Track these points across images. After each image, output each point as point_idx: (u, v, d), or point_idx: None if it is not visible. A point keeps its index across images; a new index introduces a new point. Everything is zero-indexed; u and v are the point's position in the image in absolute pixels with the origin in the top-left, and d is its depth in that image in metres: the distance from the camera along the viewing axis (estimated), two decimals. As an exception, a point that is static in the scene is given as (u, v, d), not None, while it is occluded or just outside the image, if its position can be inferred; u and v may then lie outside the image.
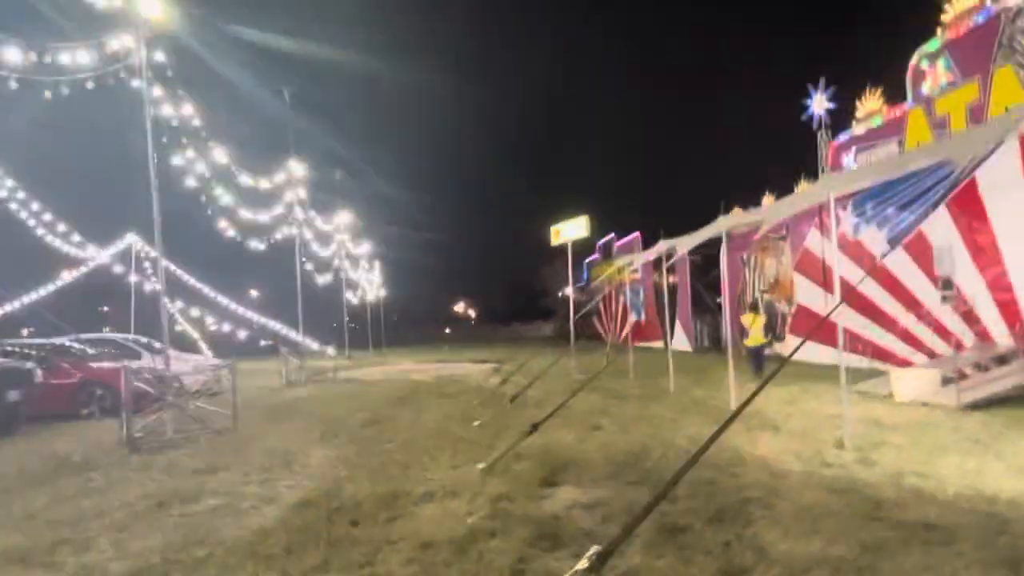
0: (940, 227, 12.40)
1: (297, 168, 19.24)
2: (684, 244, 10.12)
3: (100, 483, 6.58)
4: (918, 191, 13.50)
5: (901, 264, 13.29)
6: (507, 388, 13.36)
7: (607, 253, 36.05)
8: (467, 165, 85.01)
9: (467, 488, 5.70)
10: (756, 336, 14.25)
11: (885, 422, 8.28)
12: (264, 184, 18.10)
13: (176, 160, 13.56)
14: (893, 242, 14.04)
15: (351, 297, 34.52)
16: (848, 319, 14.85)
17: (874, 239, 14.73)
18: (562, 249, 18.70)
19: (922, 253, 12.74)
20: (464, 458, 6.92)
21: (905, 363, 12.69)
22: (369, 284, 37.27)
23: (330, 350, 24.98)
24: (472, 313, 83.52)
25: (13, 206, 18.56)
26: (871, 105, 14.26)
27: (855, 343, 14.17)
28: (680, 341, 25.88)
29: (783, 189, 17.74)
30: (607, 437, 7.73)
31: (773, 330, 19.18)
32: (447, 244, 73.41)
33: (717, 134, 78.21)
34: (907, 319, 13.09)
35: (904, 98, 13.44)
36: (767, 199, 18.85)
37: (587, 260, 40.43)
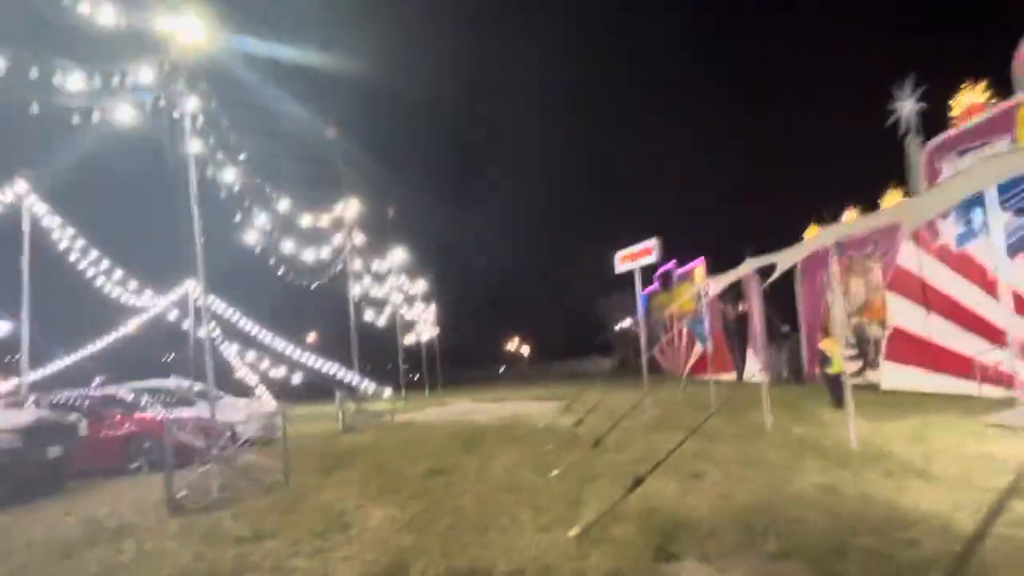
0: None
1: (349, 206, 18.72)
2: (783, 260, 8.86)
3: (131, 555, 5.68)
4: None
5: (1025, 276, 11.69)
6: (580, 429, 12.18)
7: (666, 282, 34.58)
8: (517, 195, 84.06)
9: (563, 563, 4.57)
10: (838, 363, 13.11)
11: (1058, 463, 6.75)
12: (315, 223, 17.61)
13: (224, 198, 13.11)
14: (1013, 251, 12.48)
15: (406, 338, 33.91)
16: (964, 342, 13.20)
17: (985, 250, 13.17)
18: (619, 281, 17.57)
19: (1051, 262, 11.14)
20: (550, 518, 5.78)
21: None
22: (424, 323, 36.63)
23: (387, 392, 24.17)
24: (525, 350, 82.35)
25: (73, 257, 18.60)
26: (972, 101, 12.81)
27: (974, 368, 12.49)
28: (754, 372, 24.15)
29: (868, 204, 16.29)
30: (717, 488, 6.49)
31: (865, 356, 17.50)
32: (498, 279, 72.47)
33: (788, 146, 72.05)
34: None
35: (1011, 90, 11.99)
36: (848, 215, 17.37)
37: (646, 291, 38.99)
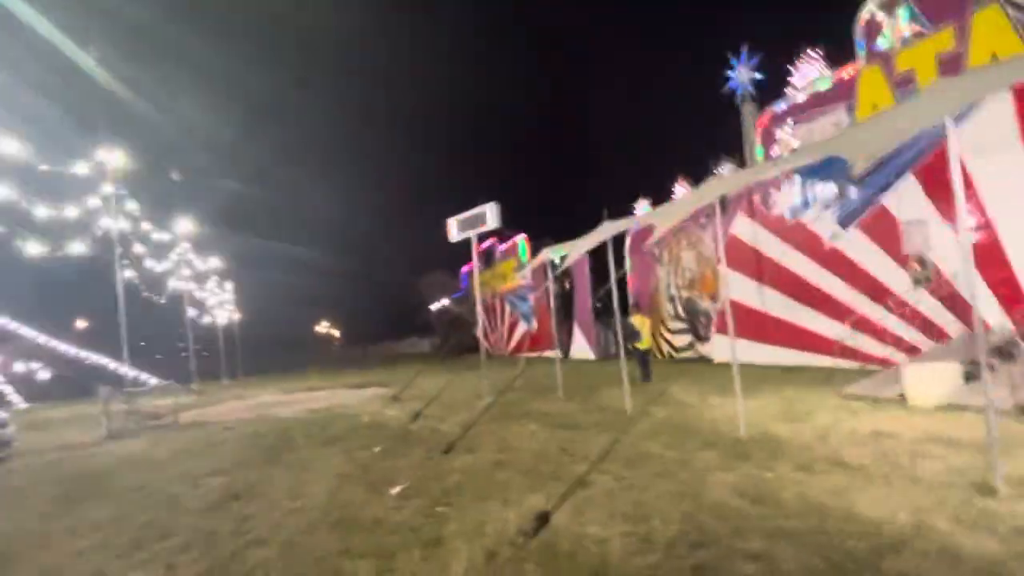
0: (908, 201, 10.88)
1: (113, 156, 14.93)
2: (662, 219, 7.61)
3: None
4: (875, 163, 11.89)
5: (860, 247, 11.70)
6: (411, 421, 10.30)
7: (488, 259, 33.57)
8: (325, 162, 77.62)
9: None
10: (647, 339, 12.87)
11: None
12: (66, 174, 13.79)
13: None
14: (846, 222, 12.52)
15: (198, 320, 29.58)
16: (799, 313, 13.20)
17: (819, 221, 13.22)
18: (438, 259, 15.98)
19: (888, 233, 11.16)
20: (403, 577, 3.87)
21: (884, 362, 11.02)
22: (220, 305, 32.31)
23: (170, 385, 20.38)
24: (336, 333, 78.34)
25: None
26: (810, 69, 12.67)
27: (815, 340, 12.48)
28: (581, 349, 23.80)
29: (701, 174, 16.04)
30: (615, 502, 4.96)
31: (696, 330, 17.45)
32: (303, 257, 67.22)
33: (618, 118, 72.12)
34: (875, 310, 11.46)
35: (851, 58, 11.91)
36: (681, 186, 17.11)
37: (465, 269, 37.86)
